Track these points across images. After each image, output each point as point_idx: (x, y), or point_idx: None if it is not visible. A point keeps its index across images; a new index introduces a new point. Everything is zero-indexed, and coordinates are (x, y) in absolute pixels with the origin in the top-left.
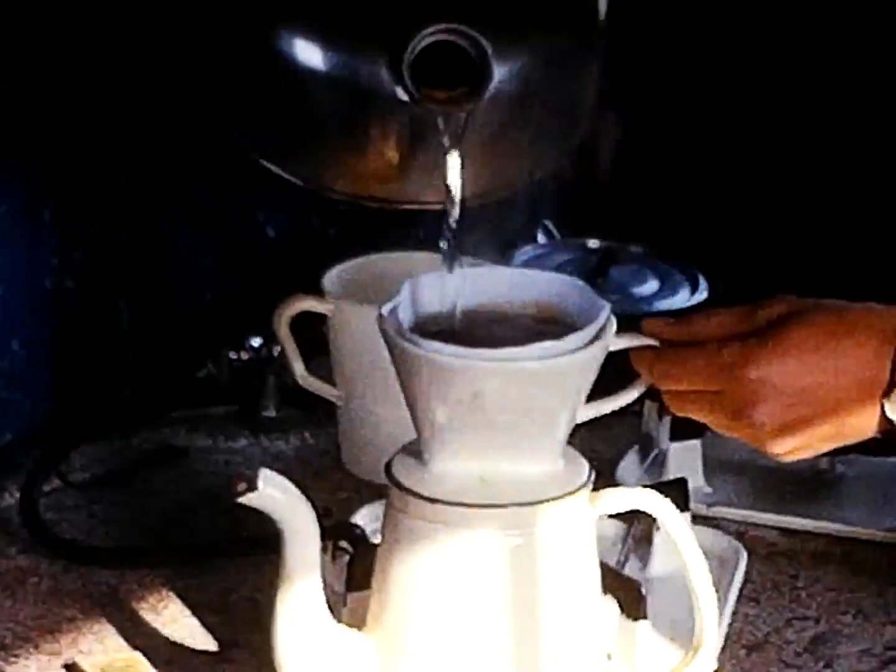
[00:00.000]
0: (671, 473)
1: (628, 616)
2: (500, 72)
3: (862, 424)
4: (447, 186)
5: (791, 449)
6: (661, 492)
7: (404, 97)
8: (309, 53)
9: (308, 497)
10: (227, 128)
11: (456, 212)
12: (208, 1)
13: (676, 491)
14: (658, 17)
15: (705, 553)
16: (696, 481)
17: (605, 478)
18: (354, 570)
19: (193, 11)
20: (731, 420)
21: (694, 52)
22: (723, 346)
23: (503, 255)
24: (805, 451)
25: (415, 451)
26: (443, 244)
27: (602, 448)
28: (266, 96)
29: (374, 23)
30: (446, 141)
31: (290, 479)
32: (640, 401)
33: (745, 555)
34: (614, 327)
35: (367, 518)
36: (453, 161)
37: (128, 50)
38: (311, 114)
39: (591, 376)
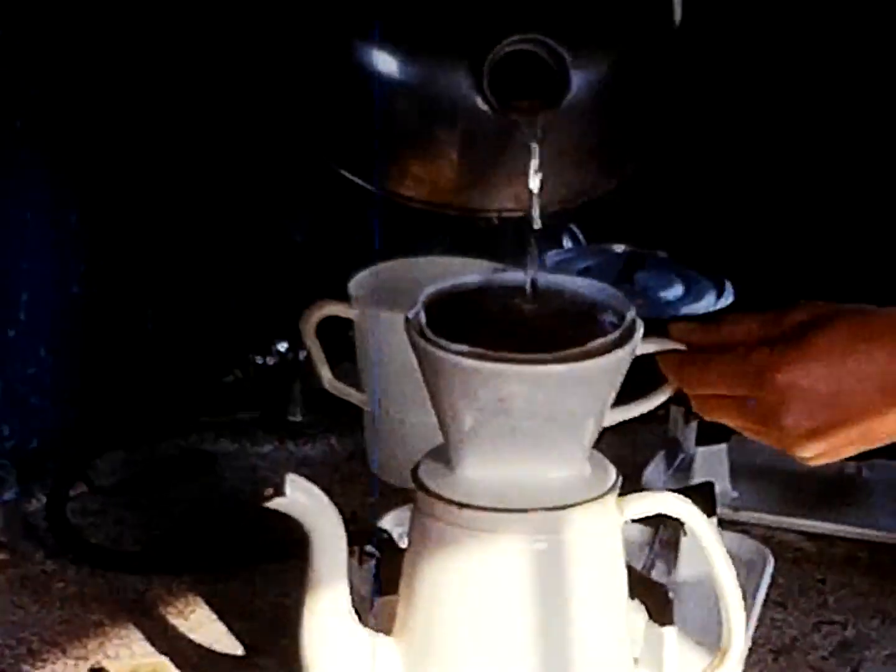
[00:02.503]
0: (697, 478)
1: (655, 621)
2: (578, 81)
3: (889, 429)
4: (529, 193)
5: (818, 453)
6: (687, 496)
7: (484, 107)
8: (389, 64)
9: (335, 502)
10: (308, 138)
11: (537, 220)
12: (291, 14)
13: (703, 495)
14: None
15: (732, 557)
16: (723, 486)
17: (631, 482)
18: (381, 574)
19: (277, 23)
20: (758, 424)
21: (720, 58)
22: (750, 351)
23: (530, 259)
24: (832, 455)
25: (441, 455)
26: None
27: (628, 453)
28: (346, 107)
29: (455, 33)
30: (527, 149)
31: (317, 484)
32: (666, 405)
33: (771, 559)
34: (641, 332)
35: (393, 523)
36: (533, 169)
37: (153, 57)
38: (392, 124)
39: (618, 381)
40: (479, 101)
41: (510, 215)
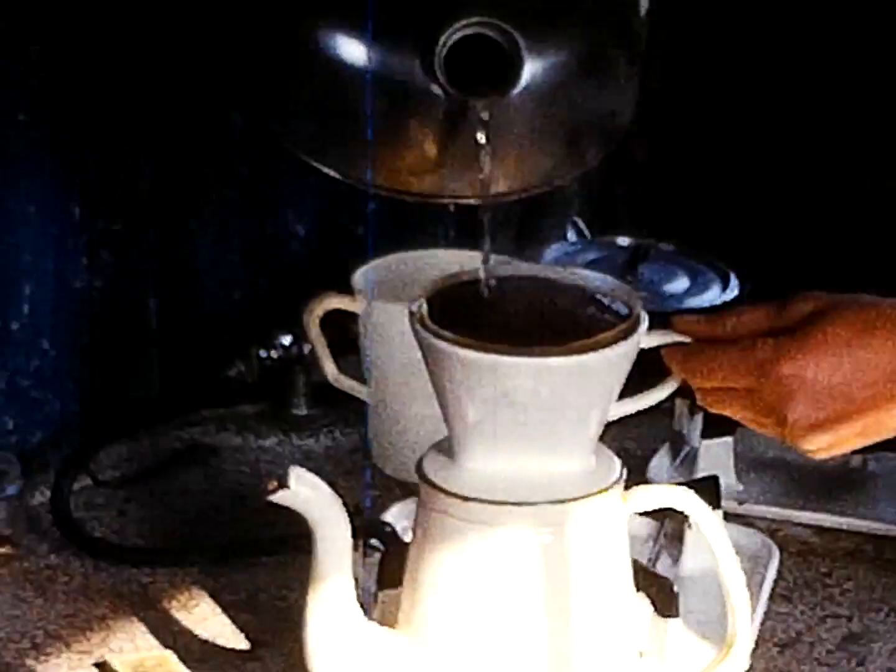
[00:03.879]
0: (702, 471)
1: (660, 614)
2: (533, 66)
3: (894, 421)
4: (481, 180)
5: (823, 446)
6: (692, 489)
7: (437, 91)
8: (343, 48)
9: (339, 495)
10: (267, 122)
11: (489, 205)
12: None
13: (708, 488)
14: (689, 14)
15: (737, 551)
16: (728, 479)
17: (636, 475)
18: (385, 567)
19: (232, 9)
20: (764, 417)
21: (726, 50)
22: (755, 343)
23: (534, 252)
24: (837, 448)
25: (446, 448)
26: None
27: (633, 446)
28: (303, 91)
29: (407, 16)
30: (479, 134)
31: (321, 477)
32: (671, 398)
33: (776, 552)
34: (646, 324)
35: (397, 516)
36: (485, 154)
37: (154, 50)
38: (347, 108)
39: (623, 374)
40: (433, 86)
41: (465, 202)
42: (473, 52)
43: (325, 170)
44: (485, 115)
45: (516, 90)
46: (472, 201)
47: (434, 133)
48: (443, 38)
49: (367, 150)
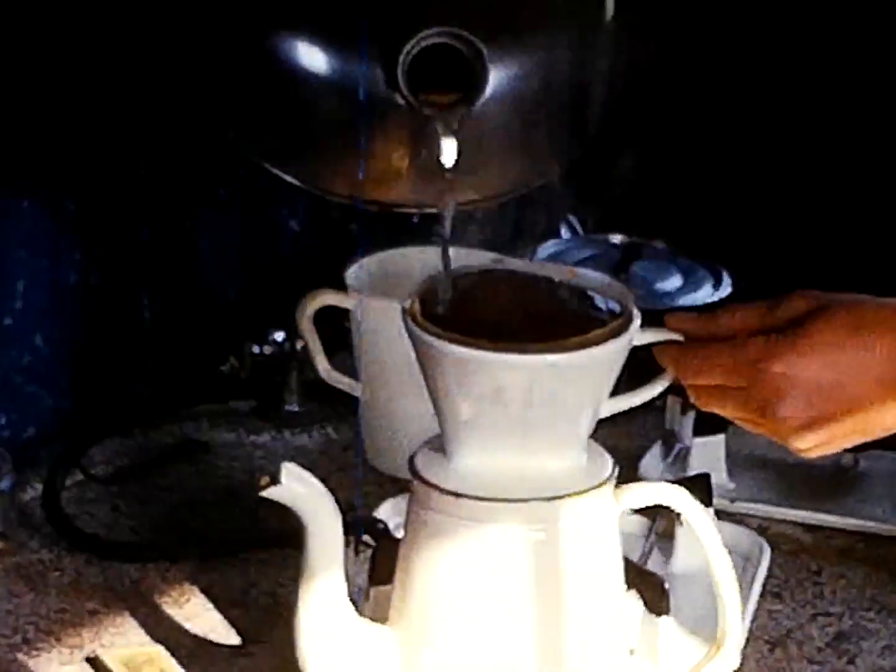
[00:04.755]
0: (694, 469)
1: (651, 611)
2: (497, 74)
3: (885, 420)
4: (441, 188)
5: (815, 445)
6: (684, 487)
7: (400, 101)
8: (306, 57)
9: (331, 491)
10: (227, 130)
11: (449, 214)
12: (207, 4)
13: (700, 486)
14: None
15: (728, 549)
16: (720, 477)
17: (628, 473)
18: (377, 563)
19: (193, 15)
20: (755, 415)
21: (719, 49)
22: (747, 342)
23: (527, 250)
24: (829, 446)
25: (438, 445)
26: (438, 244)
27: (625, 443)
28: (264, 100)
29: (370, 27)
30: (442, 143)
31: (313, 473)
32: (663, 396)
33: (768, 550)
34: (638, 322)
35: (389, 512)
36: (448, 163)
37: (149, 45)
38: (309, 117)
39: (615, 371)
40: (396, 96)
41: (429, 211)
42: (437, 63)
43: (286, 178)
44: (448, 125)
45: (480, 100)
46: (435, 210)
47: (397, 143)
48: (406, 48)
49: (328, 160)
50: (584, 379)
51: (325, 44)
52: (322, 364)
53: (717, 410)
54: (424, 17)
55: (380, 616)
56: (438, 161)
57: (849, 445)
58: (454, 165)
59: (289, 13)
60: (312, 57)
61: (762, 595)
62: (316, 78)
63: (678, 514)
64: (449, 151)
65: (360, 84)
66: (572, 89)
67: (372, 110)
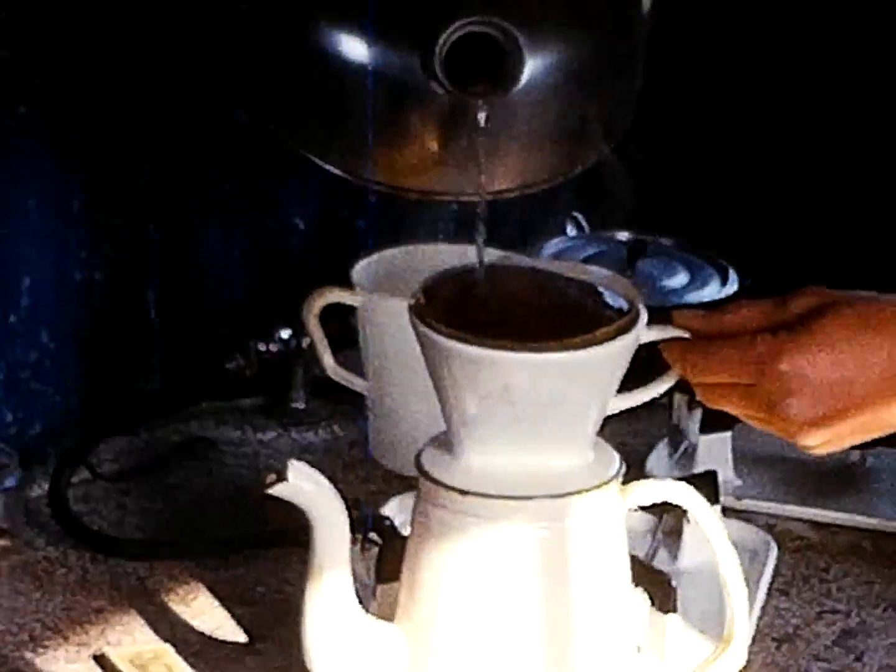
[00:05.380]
0: (701, 466)
1: (658, 609)
2: (534, 63)
3: (893, 418)
4: (478, 177)
5: (822, 442)
6: (691, 484)
7: (438, 89)
8: (344, 46)
9: (337, 489)
10: (266, 120)
11: (484, 203)
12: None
13: (706, 483)
14: (688, 8)
15: (735, 546)
16: (726, 474)
17: (634, 470)
18: (384, 561)
19: (234, 6)
20: (762, 412)
21: (725, 44)
22: (754, 339)
23: (533, 247)
24: (836, 443)
25: (444, 442)
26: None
27: (632, 440)
28: (304, 88)
29: (407, 14)
30: (478, 132)
31: (319, 471)
32: (669, 393)
33: (775, 548)
34: (645, 319)
35: (396, 510)
36: (483, 152)
37: (155, 43)
38: (348, 106)
39: (622, 369)
40: (433, 84)
41: (468, 199)
42: (473, 51)
43: (326, 167)
44: (484, 114)
45: (516, 88)
46: (472, 198)
47: (434, 131)
48: (443, 37)
49: (368, 148)
50: (590, 376)
51: (364, 33)
52: (328, 361)
53: (724, 407)
54: (461, 5)
55: (386, 614)
56: (475, 149)
57: (856, 442)
58: (490, 153)
59: (329, 2)
60: (351, 46)
61: (769, 592)
62: (354, 66)
63: (685, 512)
64: (485, 139)
65: (397, 72)
66: (607, 77)
67: (409, 98)
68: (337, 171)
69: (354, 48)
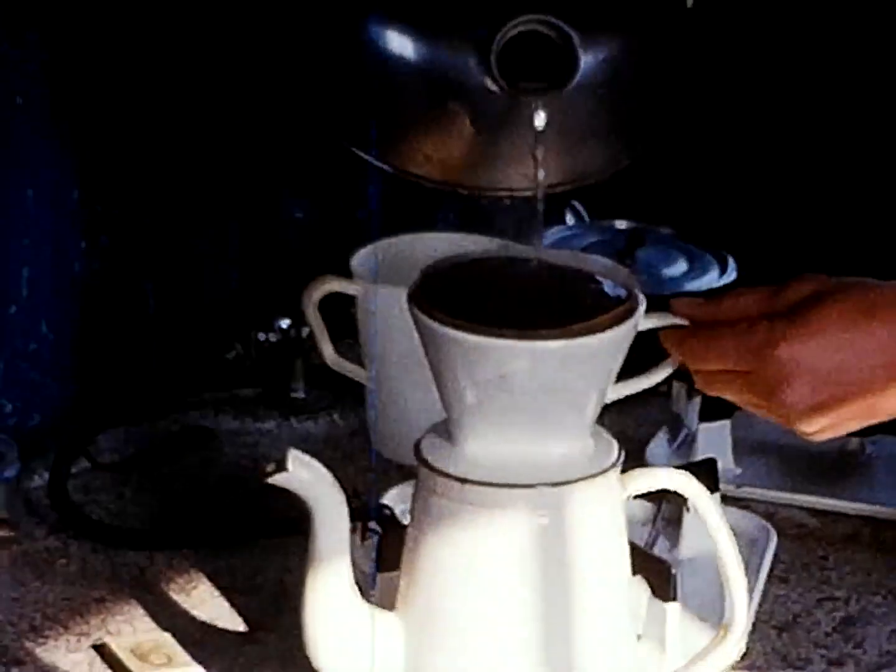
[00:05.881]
0: (700, 454)
1: (658, 597)
2: (586, 61)
3: (891, 404)
4: (536, 174)
5: (821, 428)
6: (690, 472)
7: (492, 86)
8: (398, 43)
9: (337, 478)
10: (317, 116)
11: (542, 199)
12: None
13: (706, 471)
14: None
15: (735, 534)
16: (726, 462)
17: (634, 459)
18: (384, 550)
19: (288, 2)
20: (761, 399)
21: (721, 34)
22: (752, 326)
23: (532, 236)
24: (835, 430)
25: (444, 431)
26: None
27: (631, 429)
28: (356, 85)
29: (463, 13)
30: (533, 129)
31: (319, 460)
32: (669, 381)
33: (774, 535)
34: (644, 307)
35: (396, 499)
36: (540, 150)
37: (153, 34)
38: (401, 103)
39: (620, 356)
40: (488, 82)
41: (520, 194)
42: (526, 49)
43: (379, 164)
44: (541, 113)
45: (571, 85)
46: (525, 193)
47: (487, 128)
48: (499, 35)
49: (421, 145)
50: (589, 364)
51: (418, 30)
52: (328, 351)
53: (722, 395)
54: (517, 3)
55: (386, 603)
56: (531, 146)
57: (855, 429)
58: (545, 150)
59: (384, 1)
60: (405, 43)
61: (769, 580)
62: (408, 64)
63: (684, 500)
64: (541, 136)
65: (452, 70)
66: (659, 72)
67: (464, 96)
68: (388, 169)
69: (409, 45)
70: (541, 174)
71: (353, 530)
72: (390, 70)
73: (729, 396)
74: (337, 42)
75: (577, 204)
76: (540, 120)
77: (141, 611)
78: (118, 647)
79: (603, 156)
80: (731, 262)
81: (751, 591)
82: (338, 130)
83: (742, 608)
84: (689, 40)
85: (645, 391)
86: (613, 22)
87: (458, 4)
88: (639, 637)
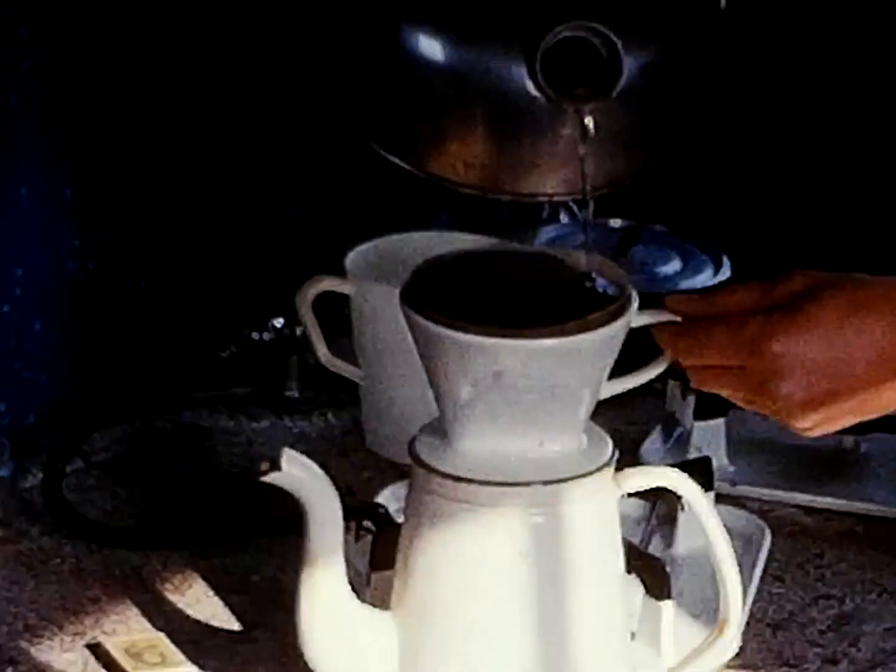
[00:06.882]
0: (695, 452)
1: (652, 595)
2: (629, 68)
3: (885, 399)
4: (582, 179)
5: (814, 424)
6: (684, 471)
7: (536, 93)
8: (441, 49)
9: (331, 477)
10: (356, 124)
11: (591, 204)
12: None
13: (700, 470)
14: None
15: (729, 532)
16: (720, 460)
17: (628, 457)
18: (378, 549)
19: (329, 9)
20: (755, 395)
21: (718, 34)
22: (746, 321)
23: (526, 234)
24: (828, 425)
25: (438, 429)
26: (581, 235)
27: (625, 427)
28: (397, 92)
29: (508, 19)
30: (578, 135)
31: (313, 459)
32: (663, 380)
33: (769, 534)
34: (637, 304)
35: (390, 497)
36: (585, 155)
37: (146, 32)
38: (444, 110)
39: (614, 353)
40: (532, 88)
41: (561, 199)
42: (572, 55)
43: (418, 172)
44: (589, 119)
45: (615, 91)
46: (564, 199)
47: (531, 134)
48: (543, 42)
49: (464, 153)
50: (582, 362)
51: (462, 36)
52: (322, 350)
53: (716, 390)
54: (561, 10)
55: (381, 602)
56: (579, 151)
57: (849, 424)
58: (589, 156)
59: (426, 7)
60: (448, 50)
61: (763, 578)
62: (452, 70)
63: (679, 498)
64: (587, 142)
65: (496, 76)
66: (693, 77)
67: (507, 101)
68: (431, 177)
69: (452, 52)
70: (586, 181)
71: (347, 529)
72: (433, 76)
73: (722, 392)
74: (378, 47)
75: (571, 202)
76: (590, 126)
77: (135, 610)
78: (112, 646)
79: (636, 159)
80: (726, 261)
81: (745, 589)
82: (377, 137)
83: (736, 606)
84: (722, 41)
85: (639, 389)
86: (655, 28)
87: (503, 11)
88: (633, 635)
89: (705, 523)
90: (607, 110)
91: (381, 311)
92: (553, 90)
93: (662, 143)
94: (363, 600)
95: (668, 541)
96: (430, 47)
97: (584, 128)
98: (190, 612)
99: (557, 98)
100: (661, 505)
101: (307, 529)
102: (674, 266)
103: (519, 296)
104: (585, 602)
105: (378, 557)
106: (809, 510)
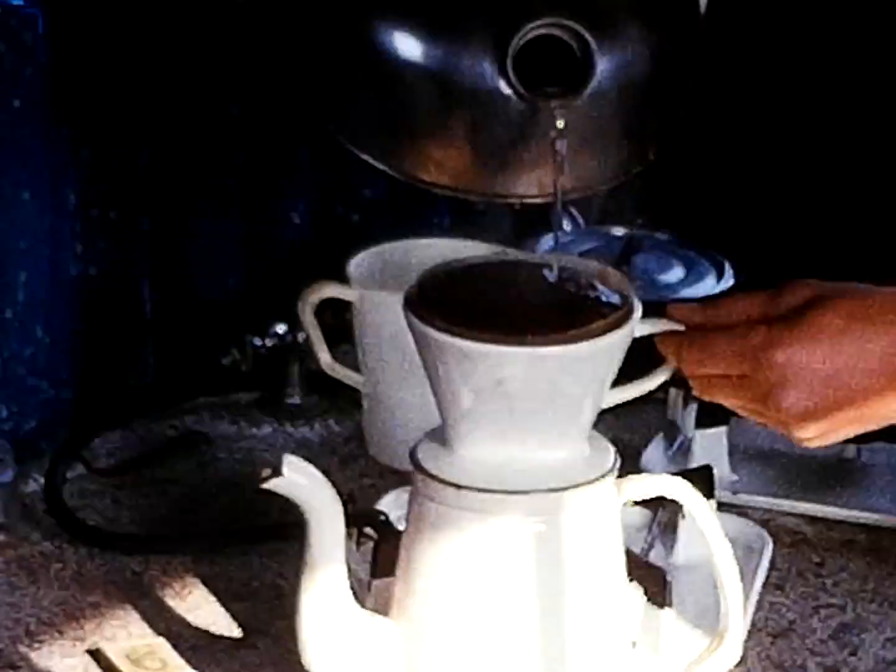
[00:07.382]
0: (696, 461)
1: (653, 603)
2: (602, 67)
3: (887, 410)
4: (554, 181)
5: (816, 434)
6: (686, 479)
7: (507, 91)
8: (412, 47)
9: (332, 483)
10: (326, 121)
11: (560, 205)
12: None
13: (702, 478)
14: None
15: (730, 541)
16: (722, 469)
17: (630, 465)
18: (379, 556)
19: (296, 5)
20: (757, 404)
21: (720, 37)
22: (749, 330)
23: (529, 242)
24: (831, 436)
25: (439, 437)
26: (552, 236)
27: (627, 435)
28: (367, 90)
29: (479, 17)
30: (548, 135)
31: (315, 465)
32: (665, 388)
33: (770, 542)
34: (640, 312)
35: (391, 505)
36: (557, 155)
37: (150, 37)
38: (415, 108)
39: (616, 362)
40: (503, 86)
41: (533, 201)
42: (544, 54)
43: (388, 170)
44: (560, 117)
45: (587, 90)
46: (536, 200)
47: (502, 133)
48: (515, 40)
49: (432, 151)
50: (585, 370)
51: (433, 33)
52: (324, 356)
53: (718, 400)
54: (533, 7)
55: (382, 608)
56: (549, 153)
57: (851, 435)
58: (562, 156)
59: (397, 4)
60: (419, 47)
61: (764, 587)
62: (422, 68)
63: (680, 506)
64: (559, 141)
65: (466, 74)
66: (671, 76)
67: (478, 100)
68: (398, 176)
69: (423, 49)
70: (558, 181)
71: (348, 536)
72: (403, 74)
73: (725, 401)
74: (348, 44)
75: (573, 210)
76: (560, 125)
77: (136, 616)
78: (113, 651)
79: (614, 162)
80: (729, 269)
81: (746, 597)
82: (346, 135)
83: (737, 615)
84: (701, 43)
85: (641, 397)
86: (629, 27)
87: (475, 8)
88: (634, 644)
89: (706, 532)
90: (578, 110)
91: (384, 318)
92: (525, 89)
93: (640, 146)
94: (364, 607)
95: (670, 549)
96: (402, 45)
97: (557, 127)
98: (190, 617)
99: (530, 97)
100: (663, 513)
101: (308, 536)
102: (676, 274)
103: (522, 304)
104: (586, 610)
105: (379, 564)
106: (811, 519)
